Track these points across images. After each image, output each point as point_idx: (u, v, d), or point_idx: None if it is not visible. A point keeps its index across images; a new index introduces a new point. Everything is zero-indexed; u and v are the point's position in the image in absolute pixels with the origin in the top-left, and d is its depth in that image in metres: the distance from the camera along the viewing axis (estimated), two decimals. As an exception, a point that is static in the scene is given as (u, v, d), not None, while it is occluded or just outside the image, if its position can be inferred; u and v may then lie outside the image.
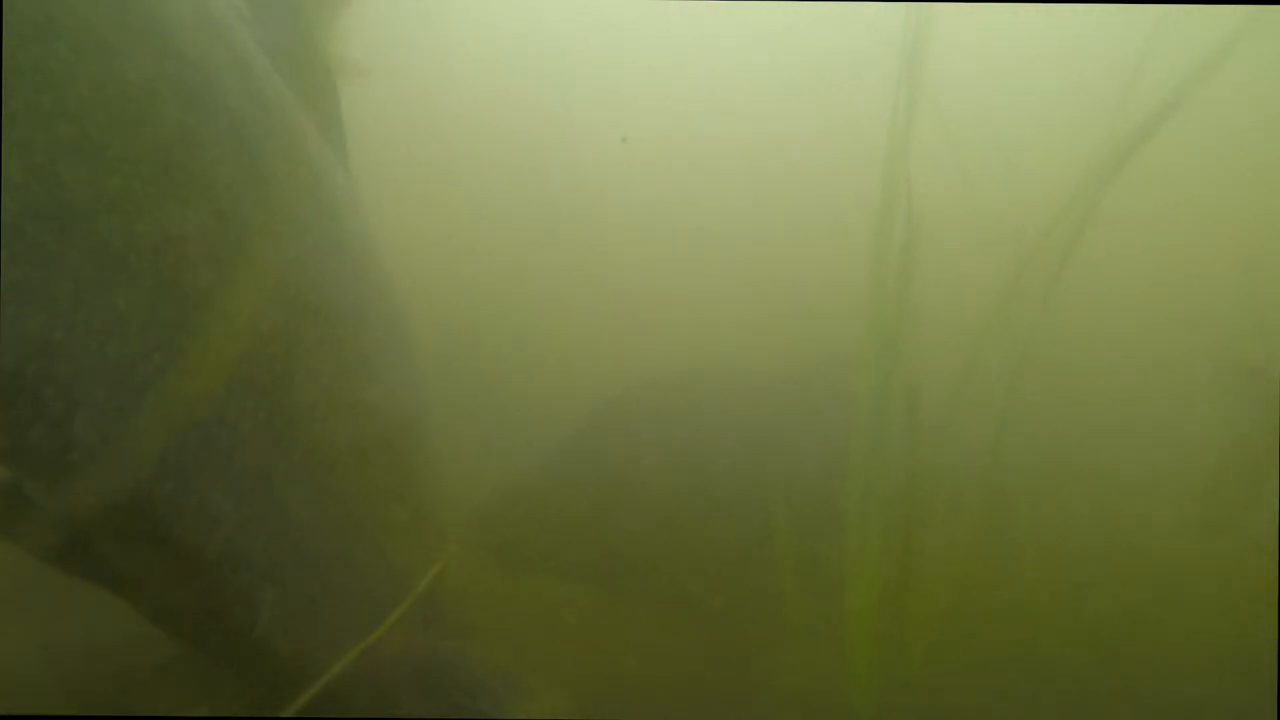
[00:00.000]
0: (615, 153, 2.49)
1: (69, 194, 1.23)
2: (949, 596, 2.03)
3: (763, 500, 2.19)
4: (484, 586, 2.06)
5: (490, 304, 2.44)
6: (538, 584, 2.20)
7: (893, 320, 1.98)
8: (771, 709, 2.03)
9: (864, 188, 2.05)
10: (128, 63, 1.29)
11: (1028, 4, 2.43)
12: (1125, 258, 2.37)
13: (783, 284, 2.48)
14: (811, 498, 2.17)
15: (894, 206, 2.02)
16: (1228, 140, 2.37)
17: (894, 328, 1.98)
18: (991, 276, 2.20)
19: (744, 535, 2.16)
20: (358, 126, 1.81)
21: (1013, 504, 2.14)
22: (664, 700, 2.07)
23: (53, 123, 1.23)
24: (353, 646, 1.58)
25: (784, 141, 2.55)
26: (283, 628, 1.52)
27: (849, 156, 2.29)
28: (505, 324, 2.47)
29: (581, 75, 2.53)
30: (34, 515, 1.33)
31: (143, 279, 1.29)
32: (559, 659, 2.00)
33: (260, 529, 1.49)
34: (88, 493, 1.31)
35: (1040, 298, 2.12)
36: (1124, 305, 2.45)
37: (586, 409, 2.38)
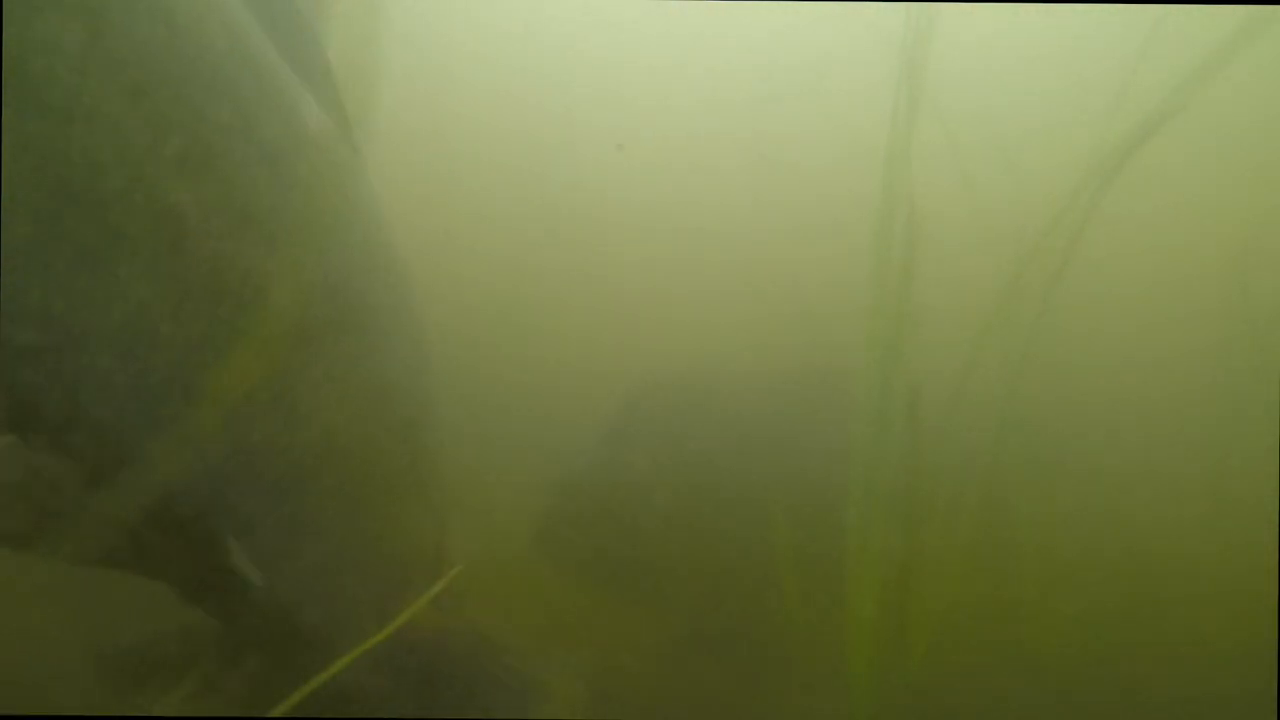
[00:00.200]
0: (615, 154, 2.48)
1: (63, 162, 1.22)
2: (949, 597, 2.03)
3: (763, 501, 2.19)
4: (483, 583, 2.06)
5: (491, 304, 2.44)
6: (534, 581, 2.20)
7: (894, 320, 1.98)
8: (772, 709, 2.04)
9: (864, 188, 2.05)
10: (113, 25, 1.26)
11: (1028, 4, 2.43)
12: (1125, 258, 2.37)
13: (783, 284, 2.48)
14: (812, 498, 2.17)
15: (894, 206, 2.02)
16: (1227, 140, 2.37)
17: (895, 328, 1.98)
18: (992, 276, 2.21)
19: (744, 536, 2.16)
20: (358, 127, 1.81)
21: (1013, 504, 2.14)
22: (664, 700, 2.07)
23: (44, 88, 1.21)
24: (370, 618, 1.59)
25: (784, 141, 2.54)
26: (302, 600, 1.53)
27: (850, 156, 2.29)
28: (506, 324, 2.46)
29: (580, 75, 2.53)
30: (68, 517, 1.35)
31: (142, 250, 1.28)
32: (561, 654, 2.00)
33: (277, 503, 1.50)
34: (109, 472, 1.32)
35: (1041, 298, 2.12)
36: (1124, 305, 2.45)
37: (586, 409, 2.39)
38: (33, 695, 1.66)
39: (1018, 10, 2.43)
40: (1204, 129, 2.18)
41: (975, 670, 2.04)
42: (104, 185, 1.25)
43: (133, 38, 1.29)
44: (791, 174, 2.51)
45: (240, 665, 1.57)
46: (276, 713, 1.48)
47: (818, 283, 2.41)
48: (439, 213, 1.78)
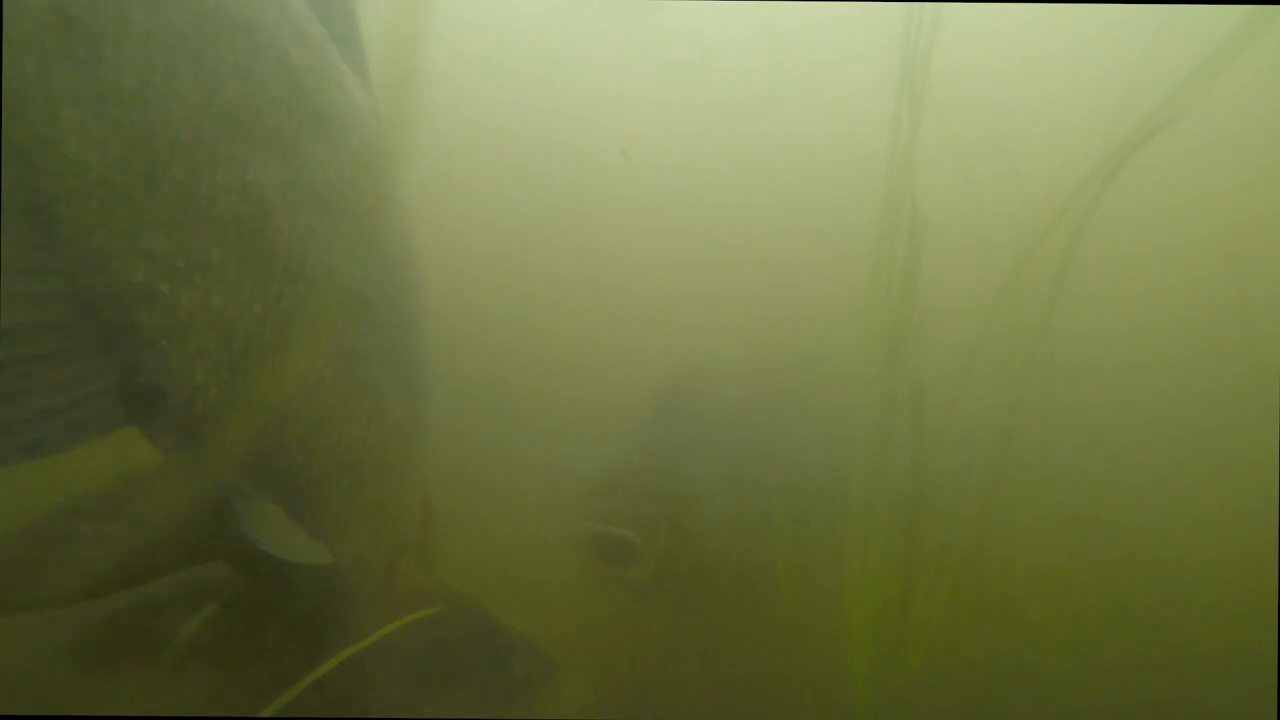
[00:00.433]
0: (619, 156, 2.49)
1: (140, 143, 1.23)
2: (949, 598, 2.03)
3: (764, 501, 2.20)
4: (485, 580, 2.07)
5: (492, 305, 2.44)
6: (535, 578, 2.20)
7: (896, 321, 1.99)
8: (773, 709, 2.04)
9: (868, 189, 2.05)
10: (174, 5, 1.28)
11: (1029, 4, 2.43)
12: (1125, 259, 2.38)
13: (786, 285, 2.49)
14: (812, 499, 2.18)
15: (898, 208, 2.02)
16: (1227, 143, 2.38)
17: (897, 328, 1.98)
18: (993, 277, 2.21)
19: (745, 536, 2.16)
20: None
21: (1013, 505, 2.14)
22: (665, 700, 2.07)
23: (119, 74, 1.22)
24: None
25: (788, 143, 2.55)
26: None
27: (853, 158, 2.29)
28: (506, 325, 2.47)
29: (584, 77, 2.53)
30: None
31: (231, 230, 1.32)
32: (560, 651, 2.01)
33: (338, 472, 1.56)
34: (218, 444, 1.36)
35: (1042, 298, 2.12)
36: (1124, 306, 2.45)
37: (588, 410, 2.39)
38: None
39: (1020, 13, 2.43)
40: (1203, 131, 2.18)
41: (975, 671, 2.04)
42: (188, 165, 1.27)
43: (191, 9, 1.30)
44: (795, 176, 2.52)
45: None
46: (267, 712, 1.51)
47: (821, 284, 2.41)
48: (440, 213, 1.78)
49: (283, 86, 1.41)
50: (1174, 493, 2.27)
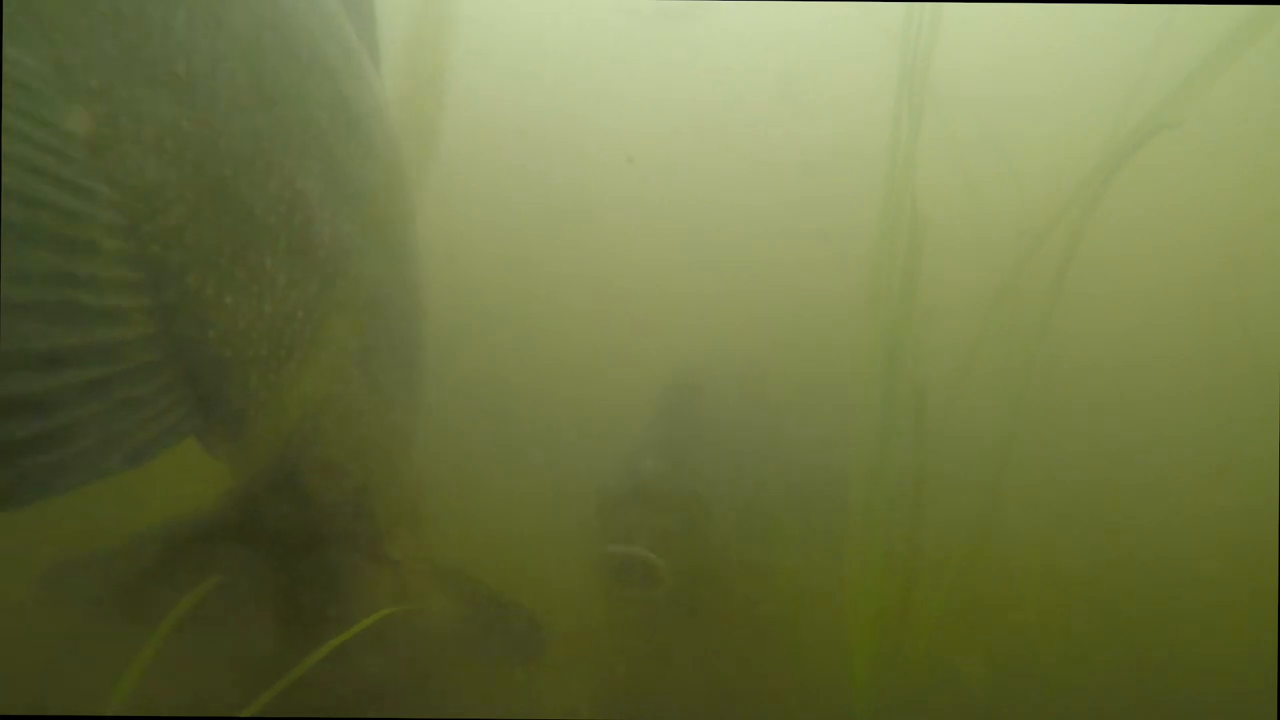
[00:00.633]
0: (621, 156, 2.49)
1: (209, 158, 1.27)
2: (949, 598, 2.03)
3: (765, 502, 2.20)
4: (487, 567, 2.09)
5: (494, 305, 2.44)
6: (528, 580, 2.21)
7: (897, 322, 1.99)
8: (774, 709, 2.04)
9: (869, 189, 2.05)
10: (235, 15, 1.31)
11: (1029, 4, 2.43)
12: (1125, 260, 2.38)
13: (787, 286, 2.49)
14: (814, 499, 2.18)
15: (898, 208, 2.02)
16: (1226, 143, 2.38)
17: (898, 329, 1.98)
18: (993, 278, 2.21)
19: (746, 537, 2.16)
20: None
21: (1013, 506, 2.15)
22: (665, 700, 2.07)
23: (187, 91, 1.25)
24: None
25: (789, 143, 2.55)
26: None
27: (853, 158, 2.29)
28: (508, 325, 2.47)
29: (585, 79, 2.53)
30: None
31: (281, 238, 1.36)
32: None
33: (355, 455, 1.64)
34: (260, 444, 1.42)
35: (1042, 299, 2.12)
36: (1124, 307, 2.45)
37: (589, 410, 2.39)
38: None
39: (1020, 13, 2.43)
40: (1203, 132, 2.18)
41: (975, 672, 2.04)
42: (249, 178, 1.31)
43: (252, 28, 1.33)
44: (796, 176, 2.52)
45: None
46: (248, 712, 1.54)
47: (821, 284, 2.41)
48: (442, 214, 1.79)
49: (326, 93, 1.45)
50: (1174, 493, 2.27)
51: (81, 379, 1.12)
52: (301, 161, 1.39)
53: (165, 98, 1.22)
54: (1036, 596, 2.17)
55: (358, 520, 1.69)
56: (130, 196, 1.19)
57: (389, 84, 1.72)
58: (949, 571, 2.05)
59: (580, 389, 2.42)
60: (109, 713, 1.46)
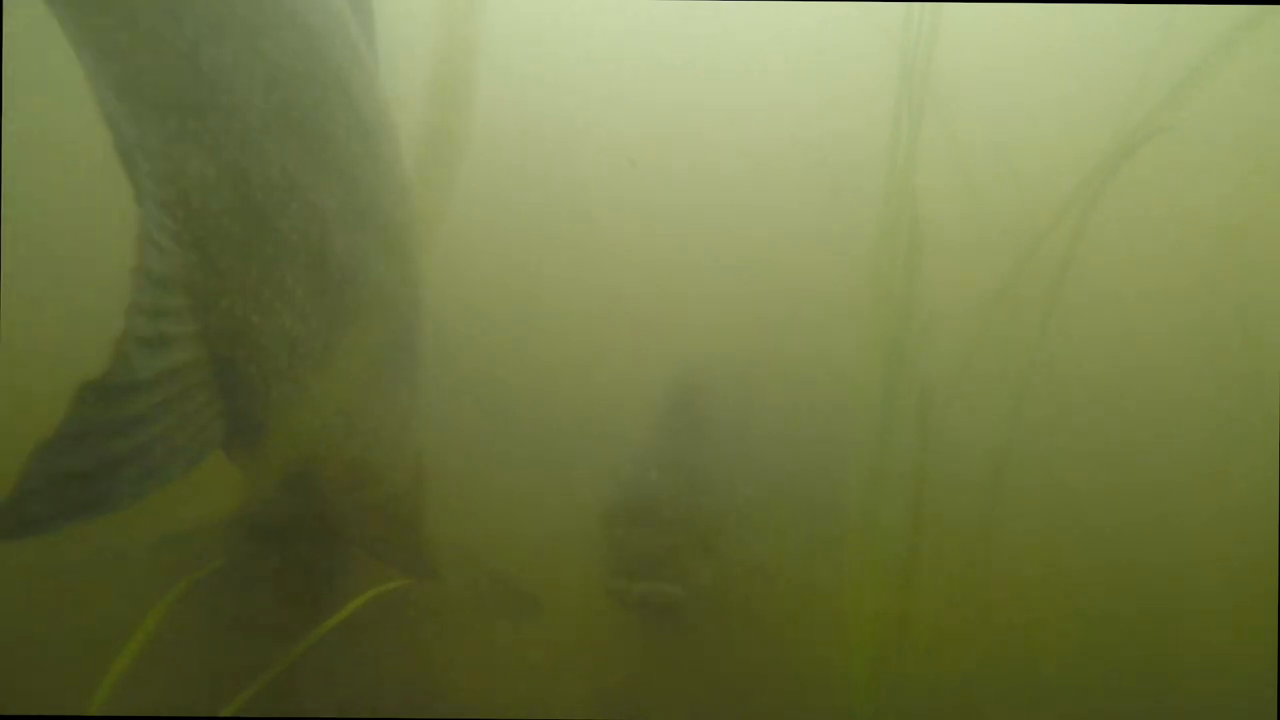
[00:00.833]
0: (622, 157, 2.49)
1: (243, 184, 1.32)
2: (949, 599, 2.03)
3: (765, 501, 2.20)
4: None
5: (496, 308, 2.44)
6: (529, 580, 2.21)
7: (897, 323, 1.99)
8: (774, 709, 2.04)
9: (869, 190, 2.05)
10: (269, 42, 1.36)
11: (1029, 5, 2.43)
12: (1125, 261, 2.38)
13: (786, 286, 2.48)
14: (814, 500, 2.18)
15: (898, 209, 2.02)
16: (1226, 145, 2.38)
17: (898, 330, 1.99)
18: (993, 279, 2.21)
19: (746, 537, 2.16)
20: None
21: (1013, 507, 2.15)
22: (665, 700, 2.07)
23: (231, 118, 1.31)
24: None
25: (789, 143, 2.54)
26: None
27: (854, 158, 2.29)
28: (509, 327, 2.47)
29: (586, 79, 2.53)
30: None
31: (300, 255, 1.41)
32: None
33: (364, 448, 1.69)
34: (278, 450, 1.48)
35: (1042, 300, 2.12)
36: (1123, 309, 2.45)
37: (591, 414, 2.38)
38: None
39: (1020, 13, 2.43)
40: (1203, 133, 2.18)
41: (975, 671, 2.04)
42: (276, 199, 1.36)
43: (282, 47, 1.38)
44: (796, 177, 2.52)
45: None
46: (227, 711, 1.59)
47: (821, 285, 2.41)
48: (448, 217, 1.79)
49: (344, 109, 1.50)
50: (1174, 494, 2.27)
51: (157, 400, 1.23)
52: (320, 178, 1.43)
53: (211, 130, 1.28)
54: (1036, 597, 2.17)
55: (362, 513, 1.74)
56: (185, 226, 1.26)
57: (399, 86, 1.73)
58: (949, 572, 2.05)
59: (581, 390, 2.42)
60: (104, 689, 1.50)
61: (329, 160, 1.45)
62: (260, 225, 1.35)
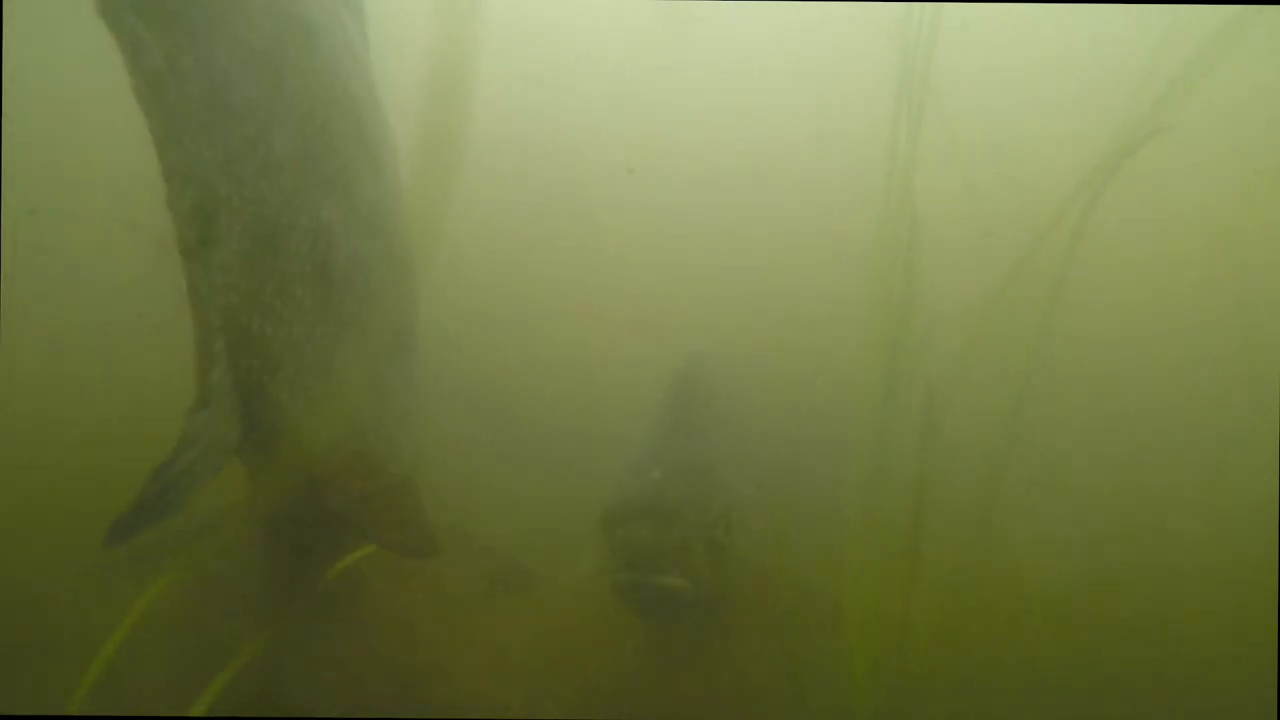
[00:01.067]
0: (623, 158, 2.49)
1: (262, 205, 1.39)
2: (950, 598, 2.03)
3: (765, 501, 2.20)
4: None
5: (497, 311, 2.44)
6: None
7: (897, 323, 1.99)
8: (773, 709, 2.04)
9: (869, 190, 2.05)
10: (289, 73, 1.42)
11: (1029, 5, 2.43)
12: (1124, 262, 2.38)
13: (787, 287, 2.48)
14: (815, 501, 2.18)
15: (898, 209, 2.02)
16: (1226, 146, 2.38)
17: (898, 331, 1.99)
18: (993, 278, 2.21)
19: (746, 537, 2.16)
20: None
21: (1013, 507, 2.15)
22: (665, 699, 2.07)
23: (253, 148, 1.37)
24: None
25: (789, 143, 2.54)
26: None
27: (854, 159, 2.29)
28: (509, 329, 2.47)
29: (587, 81, 2.53)
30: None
31: (307, 266, 1.46)
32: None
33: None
34: (287, 452, 1.54)
35: (1041, 300, 2.12)
36: (1123, 309, 2.45)
37: (592, 414, 2.38)
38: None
39: (1020, 14, 2.43)
40: (1202, 134, 2.18)
41: (975, 671, 2.04)
42: (288, 216, 1.42)
43: (300, 74, 1.44)
44: (796, 177, 2.52)
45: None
46: (198, 710, 1.65)
47: (821, 285, 2.41)
48: (449, 219, 1.79)
49: (349, 125, 1.55)
50: (1174, 494, 2.27)
51: (210, 414, 1.35)
52: (327, 193, 1.49)
53: (237, 159, 1.35)
54: (1036, 597, 2.17)
55: (362, 502, 1.78)
56: (220, 250, 1.34)
57: (399, 87, 1.75)
58: (949, 572, 2.05)
59: (582, 392, 2.42)
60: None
61: (335, 175, 1.51)
62: (274, 242, 1.40)
